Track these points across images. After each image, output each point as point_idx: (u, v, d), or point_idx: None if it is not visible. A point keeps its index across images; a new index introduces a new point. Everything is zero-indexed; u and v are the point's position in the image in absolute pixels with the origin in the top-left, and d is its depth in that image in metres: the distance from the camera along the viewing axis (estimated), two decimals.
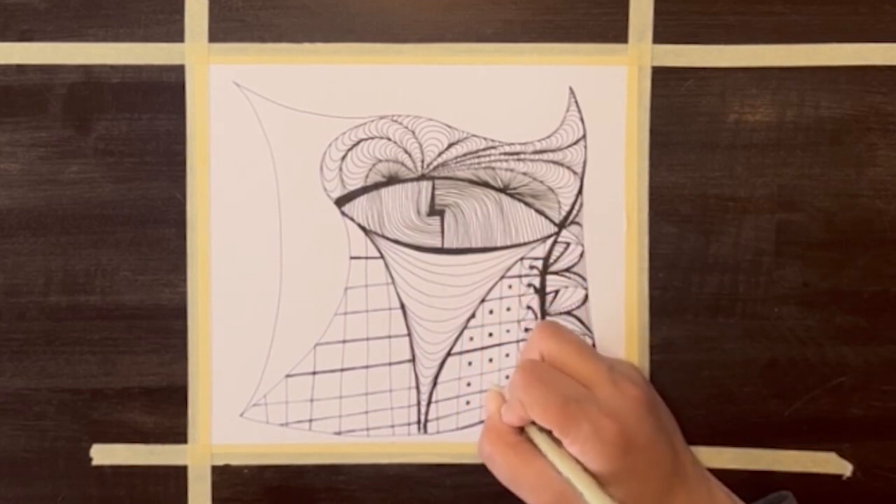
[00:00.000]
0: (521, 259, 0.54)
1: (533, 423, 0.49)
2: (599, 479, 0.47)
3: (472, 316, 0.54)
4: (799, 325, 0.53)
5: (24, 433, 0.54)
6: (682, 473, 0.49)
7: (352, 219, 0.53)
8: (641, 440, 0.47)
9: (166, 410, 0.54)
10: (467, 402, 0.54)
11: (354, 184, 0.53)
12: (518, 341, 0.54)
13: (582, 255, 0.54)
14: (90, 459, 0.54)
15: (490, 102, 0.53)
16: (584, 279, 0.54)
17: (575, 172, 0.53)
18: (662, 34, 0.53)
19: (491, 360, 0.54)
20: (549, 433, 0.48)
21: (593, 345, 0.54)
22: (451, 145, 0.53)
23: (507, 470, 0.49)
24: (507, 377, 0.54)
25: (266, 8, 0.53)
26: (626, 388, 0.48)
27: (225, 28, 0.53)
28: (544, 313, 0.54)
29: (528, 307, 0.54)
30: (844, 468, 0.53)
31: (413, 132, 0.53)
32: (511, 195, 0.53)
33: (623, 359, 0.53)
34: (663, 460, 0.48)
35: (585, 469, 0.47)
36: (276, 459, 0.54)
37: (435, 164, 0.53)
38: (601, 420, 0.47)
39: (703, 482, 0.51)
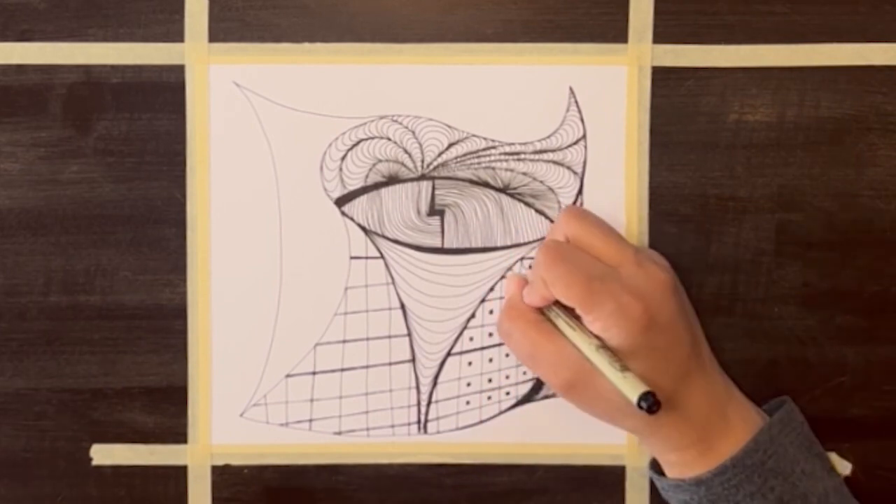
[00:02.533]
0: (521, 259, 0.54)
1: (553, 304, 0.49)
2: (620, 355, 0.47)
3: (472, 316, 0.54)
4: (799, 325, 0.53)
5: (24, 433, 0.54)
6: (701, 360, 0.50)
7: (352, 219, 0.53)
8: (663, 319, 0.48)
9: (166, 410, 0.54)
10: (467, 402, 0.54)
11: (354, 184, 0.53)
12: None
13: None
14: (90, 459, 0.54)
15: (490, 102, 0.53)
16: None
17: (575, 172, 0.53)
18: (662, 34, 0.53)
19: (491, 360, 0.54)
20: (569, 312, 0.49)
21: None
22: (451, 145, 0.53)
23: (526, 346, 0.50)
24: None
25: (266, 8, 0.53)
26: (650, 269, 0.49)
27: (225, 28, 0.53)
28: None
29: None
30: (844, 468, 0.53)
31: (413, 132, 0.53)
32: (511, 195, 0.53)
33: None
34: (683, 342, 0.49)
35: (606, 346, 0.47)
36: (276, 459, 0.54)
37: (435, 164, 0.53)
38: (624, 297, 0.47)
39: (720, 374, 0.51)
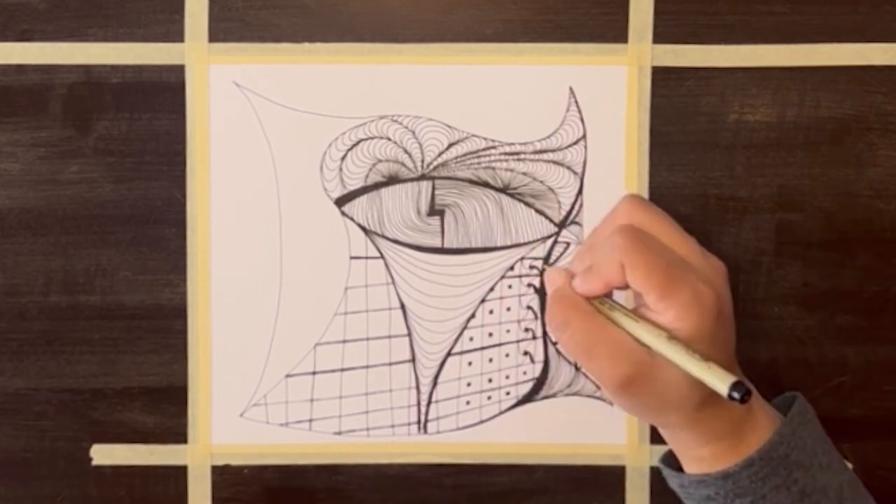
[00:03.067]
0: (522, 259, 0.54)
1: (605, 297, 0.48)
2: (688, 345, 0.46)
3: (472, 316, 0.54)
4: (799, 325, 0.53)
5: (24, 433, 0.54)
6: (735, 355, 0.49)
7: (352, 219, 0.53)
8: (727, 310, 0.48)
9: (166, 410, 0.54)
10: (467, 402, 0.54)
11: (354, 184, 0.53)
12: (518, 341, 0.54)
13: None
14: (90, 459, 0.54)
15: (490, 102, 0.53)
16: None
17: (575, 172, 0.53)
18: (662, 34, 0.53)
19: (491, 360, 0.54)
20: (621, 305, 0.47)
21: None
22: (451, 145, 0.53)
23: (583, 338, 0.47)
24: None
25: (266, 8, 0.53)
26: (712, 260, 0.48)
27: (225, 28, 0.53)
28: (544, 313, 0.54)
29: (528, 307, 0.54)
30: None
31: (413, 132, 0.53)
32: (511, 195, 0.53)
33: None
34: (733, 334, 0.49)
35: (675, 337, 0.45)
36: (276, 459, 0.54)
37: (435, 164, 0.53)
38: (699, 286, 0.46)
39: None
